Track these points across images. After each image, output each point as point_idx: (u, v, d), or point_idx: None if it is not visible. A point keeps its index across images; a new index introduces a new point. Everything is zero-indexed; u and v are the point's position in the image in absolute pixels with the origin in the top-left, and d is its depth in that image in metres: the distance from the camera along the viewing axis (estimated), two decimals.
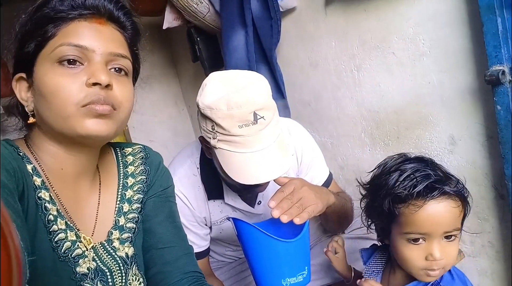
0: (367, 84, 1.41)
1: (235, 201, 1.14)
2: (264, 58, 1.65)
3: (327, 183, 1.25)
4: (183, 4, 1.70)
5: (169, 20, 1.90)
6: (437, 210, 0.76)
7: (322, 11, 1.49)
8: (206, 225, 1.19)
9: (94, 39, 0.67)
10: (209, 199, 1.13)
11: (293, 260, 0.87)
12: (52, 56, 0.65)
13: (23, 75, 0.69)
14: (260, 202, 1.18)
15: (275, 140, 0.94)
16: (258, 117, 0.89)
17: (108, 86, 0.66)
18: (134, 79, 0.82)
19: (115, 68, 0.70)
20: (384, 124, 1.40)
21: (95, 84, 0.64)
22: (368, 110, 1.44)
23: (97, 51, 0.66)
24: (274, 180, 0.96)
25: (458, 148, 1.21)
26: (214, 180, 1.12)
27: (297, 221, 0.85)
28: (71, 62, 0.65)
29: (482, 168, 1.17)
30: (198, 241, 1.16)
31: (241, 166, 0.91)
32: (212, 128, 0.93)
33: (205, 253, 1.19)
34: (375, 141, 1.45)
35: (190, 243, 1.12)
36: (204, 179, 1.12)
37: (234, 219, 0.91)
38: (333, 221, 1.19)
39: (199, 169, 1.14)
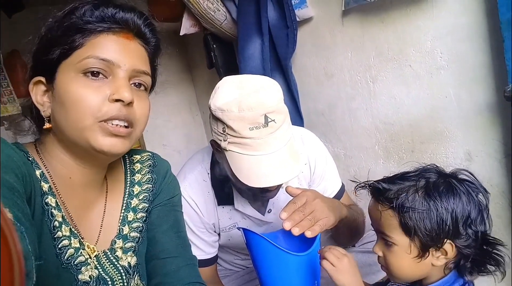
0: (382, 96, 1.40)
1: (245, 208, 1.14)
2: (279, 67, 1.65)
3: (339, 195, 1.24)
4: (201, 12, 1.72)
5: (186, 27, 1.92)
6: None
7: (339, 21, 1.48)
8: (215, 231, 1.19)
9: (121, 54, 0.67)
10: (218, 204, 1.13)
11: (303, 274, 0.86)
12: (78, 66, 0.65)
13: (42, 79, 0.69)
14: (270, 210, 1.17)
15: (286, 144, 0.93)
16: (269, 120, 0.89)
17: (130, 103, 0.66)
18: (150, 91, 0.82)
19: (135, 83, 0.71)
20: (398, 137, 1.38)
21: (117, 100, 0.65)
22: (382, 122, 1.42)
23: (122, 67, 0.67)
24: (286, 190, 0.95)
25: (475, 165, 1.18)
26: (225, 186, 1.11)
27: (309, 234, 0.84)
28: (95, 74, 0.65)
29: (499, 186, 1.14)
30: (206, 248, 1.16)
31: (250, 169, 0.90)
32: (223, 130, 0.93)
33: (213, 260, 1.19)
34: (389, 154, 1.43)
35: (198, 250, 1.12)
36: (214, 185, 1.12)
37: (244, 229, 0.90)
38: (345, 234, 1.17)
39: (209, 175, 1.14)
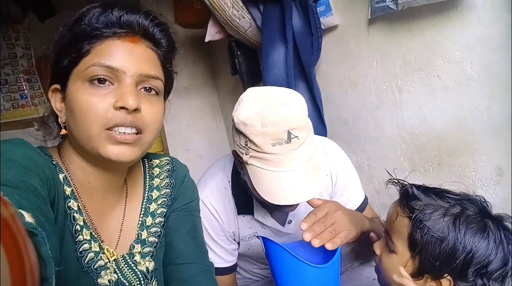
0: (408, 106, 1.36)
1: (265, 218, 1.13)
2: (302, 75, 1.64)
3: (362, 207, 1.21)
4: (226, 19, 1.73)
5: (212, 33, 1.94)
6: None
7: (364, 30, 1.46)
8: (234, 240, 1.18)
9: (126, 60, 0.66)
10: (238, 214, 1.13)
11: None
12: (84, 74, 0.65)
13: (58, 86, 0.70)
14: (291, 222, 1.16)
15: (308, 161, 0.92)
16: (292, 136, 0.88)
17: (135, 110, 0.65)
18: (167, 94, 0.81)
19: (145, 87, 0.69)
20: (425, 149, 1.34)
21: (122, 107, 0.64)
22: (408, 133, 1.39)
23: (127, 73, 0.65)
24: (307, 201, 0.94)
25: (505, 180, 1.13)
26: (245, 195, 1.10)
27: (329, 246, 0.82)
28: (101, 81, 0.65)
29: None
30: (225, 256, 1.16)
31: (271, 185, 0.89)
32: (245, 144, 0.92)
33: (232, 269, 1.18)
34: (414, 165, 1.39)
35: (217, 258, 1.12)
36: (234, 193, 1.12)
37: (264, 238, 0.89)
38: (367, 247, 1.14)
39: (230, 183, 1.13)
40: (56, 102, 0.70)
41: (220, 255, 1.14)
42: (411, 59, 1.31)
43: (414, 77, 1.31)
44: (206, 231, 1.10)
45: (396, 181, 0.83)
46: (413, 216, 0.73)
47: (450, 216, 0.71)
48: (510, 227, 0.71)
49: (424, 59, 1.27)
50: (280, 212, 1.11)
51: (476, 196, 0.77)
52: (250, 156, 0.91)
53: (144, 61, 0.68)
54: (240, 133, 0.93)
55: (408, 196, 0.78)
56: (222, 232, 1.13)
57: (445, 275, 0.70)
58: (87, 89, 0.64)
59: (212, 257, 1.10)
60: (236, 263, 1.21)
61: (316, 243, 0.82)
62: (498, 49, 1.07)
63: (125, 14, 0.66)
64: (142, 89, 0.69)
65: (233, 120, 0.95)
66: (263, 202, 1.07)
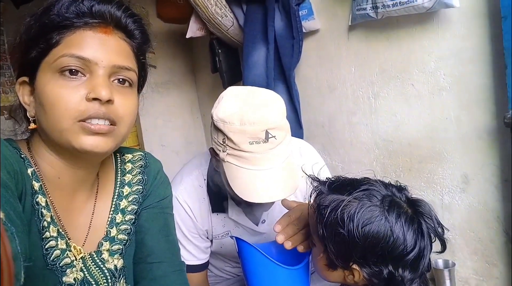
0: (383, 112, 1.40)
1: (239, 217, 1.13)
2: (282, 76, 1.66)
3: None
4: (208, 16, 1.73)
5: (193, 30, 1.93)
6: None
7: (344, 36, 1.49)
8: (207, 238, 1.18)
9: (98, 51, 0.63)
10: (213, 212, 1.13)
11: None
12: (54, 66, 0.62)
13: (26, 79, 0.66)
14: (264, 221, 1.17)
15: (284, 161, 0.93)
16: (270, 136, 0.88)
17: (108, 101, 0.63)
18: (141, 87, 0.78)
19: (118, 79, 0.67)
20: (397, 155, 1.38)
21: (95, 99, 0.61)
22: (382, 139, 1.43)
23: (100, 64, 0.63)
24: (282, 203, 0.95)
25: (471, 188, 1.18)
26: (220, 193, 1.10)
27: (301, 249, 0.83)
28: (73, 72, 0.62)
29: (494, 211, 1.14)
30: (198, 254, 1.15)
31: (246, 183, 0.90)
32: (223, 141, 0.92)
33: (204, 266, 1.18)
34: (386, 170, 1.43)
35: (189, 255, 1.11)
36: (209, 192, 1.12)
37: (237, 238, 0.90)
38: None
39: (205, 181, 1.13)
40: (24, 95, 0.67)
41: (192, 252, 1.13)
42: (387, 67, 1.35)
43: (390, 84, 1.35)
44: (179, 228, 1.09)
45: (313, 177, 0.82)
46: (315, 211, 0.74)
47: (344, 207, 0.69)
48: (422, 209, 0.70)
49: (400, 67, 1.30)
50: (254, 211, 1.11)
51: (393, 184, 0.75)
52: (227, 153, 0.91)
53: (117, 52, 0.66)
54: (218, 130, 0.92)
55: (316, 193, 0.77)
56: (195, 229, 1.13)
57: (351, 265, 0.70)
58: (58, 81, 0.62)
59: (184, 254, 1.09)
60: (208, 261, 1.21)
61: (288, 245, 0.83)
62: (470, 62, 1.11)
63: (96, 4, 0.64)
64: (116, 81, 0.66)
65: (212, 117, 0.95)
66: (238, 201, 1.07)
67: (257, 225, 1.16)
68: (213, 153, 1.00)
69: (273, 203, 1.01)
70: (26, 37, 0.65)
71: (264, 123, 0.87)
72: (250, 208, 1.03)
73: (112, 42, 0.65)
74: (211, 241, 1.19)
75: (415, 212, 0.70)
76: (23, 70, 0.67)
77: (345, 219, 0.68)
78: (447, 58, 1.17)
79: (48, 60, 0.63)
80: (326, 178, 0.80)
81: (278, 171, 0.91)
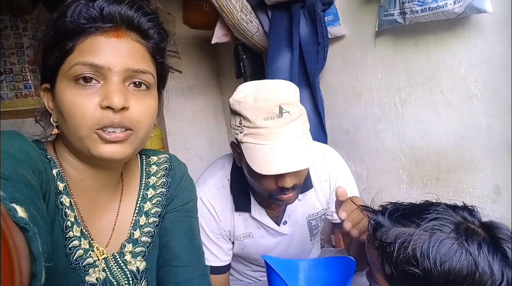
0: (410, 119, 1.37)
1: (261, 216, 1.14)
2: (306, 82, 1.65)
3: None
4: (234, 22, 1.74)
5: (219, 36, 1.95)
6: None
7: (371, 41, 1.47)
8: (229, 239, 1.19)
9: (111, 56, 0.62)
10: (236, 210, 1.13)
11: None
12: (69, 74, 0.62)
13: (48, 86, 0.67)
14: (286, 222, 1.17)
15: (301, 137, 0.94)
16: (284, 111, 0.91)
17: (123, 108, 0.62)
18: (162, 87, 0.77)
19: (134, 83, 0.65)
20: (424, 163, 1.35)
21: (108, 107, 0.61)
22: (409, 146, 1.40)
23: (113, 69, 0.62)
24: (336, 190, 0.92)
25: (503, 199, 1.14)
26: (243, 192, 1.12)
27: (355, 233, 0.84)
28: (87, 80, 0.62)
29: None
30: (221, 255, 1.16)
31: (263, 158, 0.91)
32: (239, 123, 0.95)
33: (226, 268, 1.19)
34: (413, 179, 1.40)
35: (212, 256, 1.12)
36: (233, 191, 1.13)
37: (266, 260, 0.87)
38: (361, 253, 1.15)
39: (229, 181, 1.14)
40: (48, 101, 0.68)
41: (216, 254, 1.14)
42: (415, 74, 1.32)
43: (417, 91, 1.32)
44: (202, 229, 1.10)
45: (365, 207, 0.75)
46: (379, 249, 0.65)
47: (415, 243, 0.61)
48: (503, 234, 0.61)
49: (429, 74, 1.28)
50: (277, 204, 1.10)
51: (460, 206, 0.68)
52: (244, 134, 0.94)
53: (130, 56, 0.64)
54: (235, 114, 0.97)
55: (374, 225, 0.68)
56: (218, 230, 1.14)
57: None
58: (73, 90, 0.62)
59: (207, 255, 1.11)
60: (230, 263, 1.21)
61: (355, 233, 0.84)
62: (502, 69, 1.08)
63: (107, 6, 0.62)
64: (132, 85, 0.65)
65: (229, 104, 0.99)
66: (261, 196, 1.08)
67: (278, 225, 1.16)
68: (234, 146, 1.04)
69: (296, 195, 1.01)
70: (43, 44, 0.66)
71: (277, 99, 0.91)
72: (272, 201, 1.02)
73: (125, 46, 0.64)
74: (233, 243, 1.20)
75: (494, 238, 0.60)
76: (44, 77, 0.68)
77: (419, 257, 0.59)
78: (479, 65, 1.13)
79: (64, 68, 0.63)
80: (381, 206, 0.72)
81: (295, 144, 0.92)
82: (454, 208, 0.66)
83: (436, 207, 0.66)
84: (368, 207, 0.74)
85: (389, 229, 0.65)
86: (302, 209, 1.16)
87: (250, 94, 0.93)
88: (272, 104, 0.90)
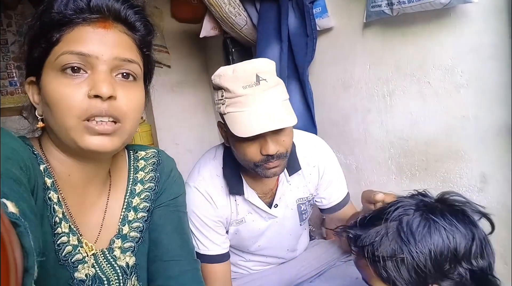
0: (398, 111, 1.38)
1: (254, 198, 1.16)
2: (295, 75, 1.65)
3: (344, 202, 1.25)
4: (222, 15, 1.73)
5: (207, 29, 1.94)
6: None
7: (359, 33, 1.47)
8: (225, 228, 1.20)
9: (98, 45, 0.62)
10: (230, 193, 1.14)
11: None
12: (55, 64, 0.62)
13: (34, 79, 0.67)
14: (277, 205, 1.19)
15: (280, 103, 0.98)
16: (261, 79, 0.96)
17: (110, 98, 0.62)
18: (148, 81, 0.77)
19: (122, 73, 0.65)
20: (412, 154, 1.36)
21: (96, 96, 0.61)
22: (397, 137, 1.40)
23: (100, 58, 0.62)
24: (362, 196, 0.93)
25: (489, 187, 1.15)
26: (235, 176, 1.14)
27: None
28: (75, 70, 0.61)
29: None
30: (221, 242, 1.16)
31: (244, 122, 0.95)
32: (221, 96, 1.00)
33: (227, 256, 1.19)
34: (401, 170, 1.41)
35: (214, 245, 1.13)
36: (226, 176, 1.14)
37: None
38: None
39: (222, 169, 1.15)
40: (33, 95, 0.68)
41: (216, 242, 1.14)
42: (403, 65, 1.32)
43: (405, 82, 1.33)
44: (200, 220, 1.11)
45: (339, 230, 0.79)
46: (365, 254, 0.70)
47: (391, 233, 0.68)
48: (459, 201, 0.69)
49: (416, 65, 1.28)
50: (265, 177, 1.09)
51: (412, 192, 0.75)
52: (226, 105, 0.98)
53: (118, 45, 0.64)
54: (217, 88, 1.02)
55: (352, 238, 0.74)
56: (216, 218, 1.14)
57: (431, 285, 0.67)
58: (60, 79, 0.61)
59: (208, 244, 1.12)
60: (229, 251, 1.21)
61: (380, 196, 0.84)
62: (489, 59, 1.09)
63: None
64: (119, 75, 0.65)
65: (212, 81, 1.03)
66: (252, 176, 1.10)
67: (270, 207, 1.18)
68: (220, 125, 1.09)
69: (282, 167, 1.04)
70: (29, 37, 0.65)
71: (254, 68, 0.97)
72: (261, 171, 1.04)
73: (112, 36, 0.64)
74: (227, 232, 1.20)
75: (452, 205, 0.69)
76: (30, 70, 0.67)
77: (401, 245, 0.66)
78: (465, 55, 1.14)
79: (50, 59, 0.63)
80: (351, 223, 0.78)
81: (273, 107, 0.97)
82: (410, 196, 0.75)
83: (395, 201, 0.74)
84: (338, 229, 0.79)
85: (365, 235, 0.71)
86: (291, 193, 1.20)
87: (229, 68, 0.99)
88: (249, 73, 0.96)
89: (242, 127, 0.95)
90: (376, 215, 0.73)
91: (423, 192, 0.75)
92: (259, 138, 0.97)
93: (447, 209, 0.68)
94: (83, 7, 0.62)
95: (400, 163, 1.41)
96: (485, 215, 0.69)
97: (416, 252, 0.64)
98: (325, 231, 1.79)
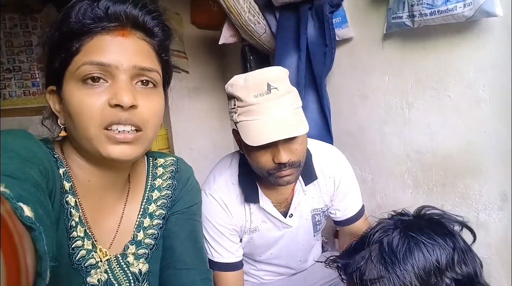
0: (417, 124, 1.36)
1: (269, 207, 1.15)
2: (313, 84, 1.64)
3: (358, 215, 1.24)
4: (241, 23, 1.74)
5: (226, 36, 1.95)
6: None
7: (378, 44, 1.46)
8: (239, 236, 1.19)
9: (117, 54, 0.62)
10: (245, 201, 1.14)
11: None
12: (76, 74, 0.62)
13: (54, 88, 0.67)
14: (292, 215, 1.18)
15: (291, 111, 0.98)
16: (272, 87, 0.96)
17: (132, 107, 0.62)
18: (167, 84, 0.78)
19: (142, 81, 0.66)
20: (430, 168, 1.33)
21: (117, 105, 0.61)
22: (415, 151, 1.38)
23: (120, 68, 0.62)
24: None
25: (510, 206, 1.12)
26: (251, 184, 1.15)
27: None
28: (95, 79, 0.62)
29: None
30: (235, 250, 1.16)
31: (256, 131, 0.96)
32: (234, 105, 1.02)
33: (241, 264, 1.19)
34: (418, 184, 1.39)
35: (228, 253, 1.14)
36: (241, 184, 1.15)
37: None
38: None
39: (238, 177, 1.15)
40: (54, 103, 0.68)
41: (230, 250, 1.14)
42: (423, 77, 1.31)
43: (425, 95, 1.31)
44: (215, 228, 1.11)
45: (329, 261, 0.82)
46: (354, 280, 0.72)
47: (374, 255, 0.70)
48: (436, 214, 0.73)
49: (437, 78, 1.26)
50: (279, 185, 1.09)
51: (390, 214, 0.78)
52: (239, 113, 1.00)
53: (137, 54, 0.64)
54: (230, 97, 1.04)
55: (342, 268, 0.76)
56: (231, 226, 1.14)
57: None
58: (81, 90, 0.62)
59: (222, 252, 1.12)
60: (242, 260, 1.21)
61: None
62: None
63: (111, 5, 0.63)
64: (139, 83, 0.65)
65: (225, 90, 1.05)
66: (265, 181, 1.09)
67: (285, 217, 1.17)
68: (234, 132, 1.09)
69: (296, 176, 1.04)
70: (49, 47, 0.66)
71: (265, 77, 0.98)
72: (274, 180, 1.04)
73: (131, 44, 0.64)
74: (241, 240, 1.20)
75: (429, 219, 0.72)
76: (50, 79, 0.68)
77: (385, 266, 0.68)
78: (488, 69, 1.12)
79: (71, 69, 0.63)
80: (340, 252, 0.82)
81: (284, 116, 0.97)
82: (390, 218, 0.77)
83: (375, 224, 0.77)
84: (327, 261, 0.82)
85: (352, 261, 0.73)
86: (306, 202, 1.19)
87: (241, 77, 1.00)
88: (260, 82, 0.96)
89: (254, 136, 0.95)
90: (359, 241, 0.77)
91: (401, 211, 0.78)
92: (271, 146, 0.97)
93: (424, 223, 0.71)
94: (101, 15, 0.62)
95: (417, 177, 1.39)
96: (464, 225, 0.71)
97: (400, 270, 0.66)
98: (337, 243, 1.77)
